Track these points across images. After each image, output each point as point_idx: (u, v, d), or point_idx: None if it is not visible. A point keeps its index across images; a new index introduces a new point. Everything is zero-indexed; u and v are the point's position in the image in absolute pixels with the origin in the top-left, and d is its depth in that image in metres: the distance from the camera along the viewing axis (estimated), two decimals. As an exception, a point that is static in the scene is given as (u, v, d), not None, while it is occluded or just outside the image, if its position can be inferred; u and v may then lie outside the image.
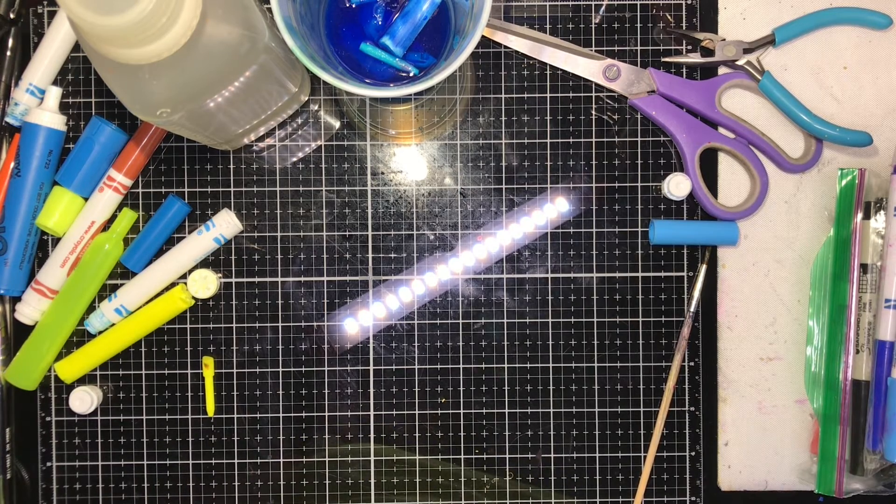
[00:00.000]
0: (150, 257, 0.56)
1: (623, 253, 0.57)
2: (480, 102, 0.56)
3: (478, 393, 0.56)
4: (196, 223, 0.56)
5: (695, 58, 0.56)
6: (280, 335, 0.56)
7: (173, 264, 0.55)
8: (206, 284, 0.55)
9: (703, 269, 0.56)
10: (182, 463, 0.56)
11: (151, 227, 0.55)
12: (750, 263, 0.57)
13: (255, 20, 0.43)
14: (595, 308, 0.56)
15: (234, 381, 0.56)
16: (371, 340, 0.57)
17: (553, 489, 0.56)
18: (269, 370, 0.56)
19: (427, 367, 0.56)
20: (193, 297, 0.56)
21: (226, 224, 0.55)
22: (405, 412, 0.56)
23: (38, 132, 0.54)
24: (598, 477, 0.56)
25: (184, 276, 0.56)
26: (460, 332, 0.56)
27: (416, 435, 0.56)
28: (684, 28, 0.57)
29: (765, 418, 0.57)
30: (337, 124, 0.57)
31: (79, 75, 0.56)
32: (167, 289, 0.56)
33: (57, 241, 0.56)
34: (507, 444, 0.56)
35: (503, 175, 0.56)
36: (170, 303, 0.55)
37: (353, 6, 0.52)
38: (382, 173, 0.56)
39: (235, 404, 0.56)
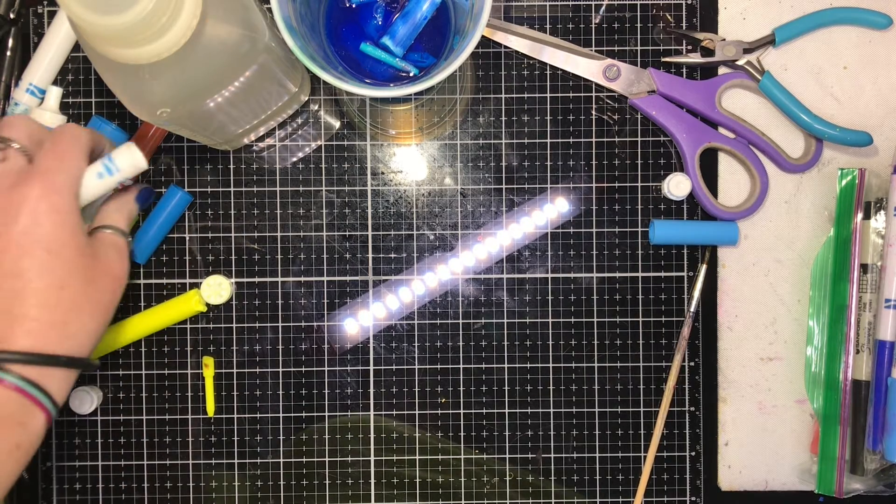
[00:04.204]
0: (154, 247, 0.55)
1: (623, 253, 0.57)
2: (480, 102, 0.56)
3: (478, 393, 0.56)
4: (196, 222, 0.56)
5: (695, 58, 0.56)
6: (280, 335, 0.56)
7: None
8: (219, 291, 0.55)
9: (703, 269, 0.56)
10: (182, 463, 0.56)
11: (154, 217, 0.55)
12: (750, 263, 0.57)
13: (255, 20, 0.43)
14: (595, 308, 0.56)
15: (234, 381, 0.56)
16: (371, 340, 0.56)
17: (553, 489, 0.56)
18: (269, 370, 0.56)
19: (427, 367, 0.56)
20: (206, 304, 0.55)
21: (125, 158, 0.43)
22: (405, 412, 0.56)
23: (38, 132, 0.54)
24: (598, 477, 0.56)
25: (198, 283, 0.56)
26: (460, 332, 0.56)
27: (417, 435, 0.56)
28: (684, 28, 0.57)
29: (765, 418, 0.57)
30: (337, 124, 0.57)
31: (79, 75, 0.56)
32: (168, 293, 0.56)
33: (57, 241, 0.56)
34: (507, 444, 0.56)
35: (503, 175, 0.56)
36: (184, 305, 0.55)
37: (353, 6, 0.52)
38: (382, 173, 0.56)
39: (235, 404, 0.56)
